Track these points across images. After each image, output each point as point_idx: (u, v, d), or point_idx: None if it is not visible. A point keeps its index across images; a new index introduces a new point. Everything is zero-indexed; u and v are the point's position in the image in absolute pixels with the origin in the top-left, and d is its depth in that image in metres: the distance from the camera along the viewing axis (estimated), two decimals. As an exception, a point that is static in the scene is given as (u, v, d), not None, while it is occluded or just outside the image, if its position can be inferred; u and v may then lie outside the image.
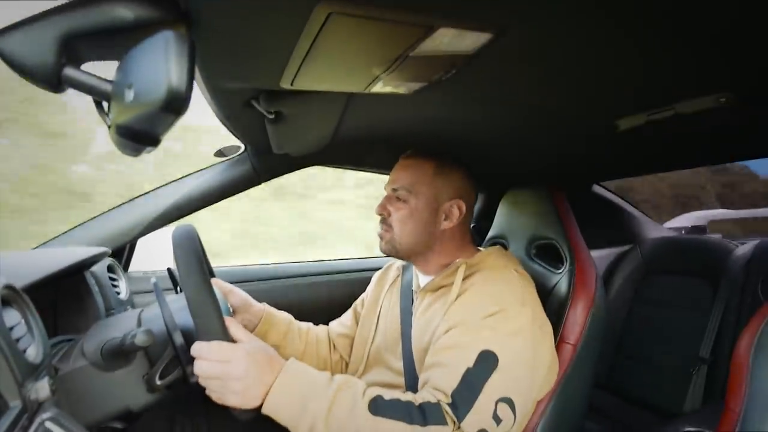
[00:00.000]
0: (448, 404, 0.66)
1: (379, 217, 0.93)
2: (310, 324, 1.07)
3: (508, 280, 0.81)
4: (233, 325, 0.65)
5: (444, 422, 0.64)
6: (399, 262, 1.03)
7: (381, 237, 0.91)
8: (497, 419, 0.66)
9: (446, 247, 0.91)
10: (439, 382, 0.69)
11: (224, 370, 0.60)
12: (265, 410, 0.63)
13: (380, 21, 0.45)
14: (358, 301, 1.11)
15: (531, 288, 0.83)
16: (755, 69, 0.59)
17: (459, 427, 0.65)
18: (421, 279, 0.94)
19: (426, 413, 0.64)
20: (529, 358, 0.74)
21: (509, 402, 0.68)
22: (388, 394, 0.67)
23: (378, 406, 0.64)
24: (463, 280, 0.83)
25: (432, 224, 0.89)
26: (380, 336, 0.95)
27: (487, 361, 0.69)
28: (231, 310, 0.91)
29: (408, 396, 0.68)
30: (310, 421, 0.62)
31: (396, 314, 0.94)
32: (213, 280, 0.85)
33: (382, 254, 0.94)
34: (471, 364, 0.69)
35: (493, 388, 0.67)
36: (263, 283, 1.37)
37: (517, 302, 0.76)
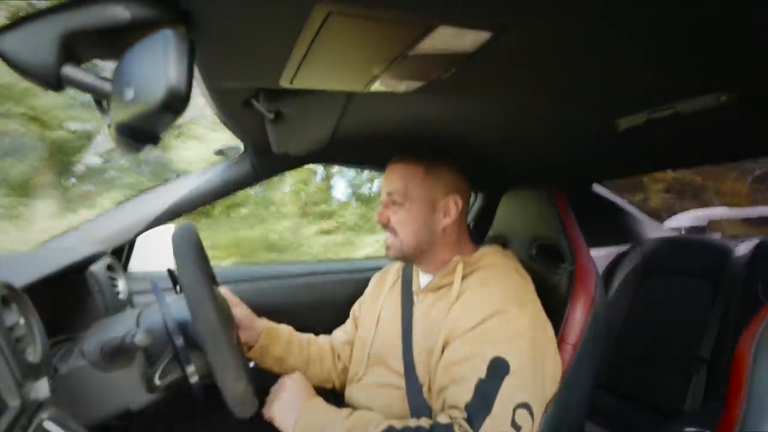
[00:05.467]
0: (464, 419, 0.65)
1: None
2: (311, 335, 1.08)
3: (506, 281, 0.81)
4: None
5: None
6: (398, 264, 1.04)
7: (389, 246, 0.91)
8: (516, 426, 0.65)
9: (446, 244, 0.91)
10: (454, 399, 0.69)
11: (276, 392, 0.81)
12: None
13: (379, 20, 0.45)
14: (356, 306, 1.11)
15: (530, 287, 0.83)
16: (755, 68, 0.59)
17: None
18: (422, 278, 0.94)
19: None
20: (537, 358, 0.74)
21: (527, 407, 0.67)
22: (400, 423, 0.68)
23: None
24: (463, 279, 0.83)
25: (432, 223, 0.89)
26: (380, 337, 0.95)
27: (498, 369, 0.69)
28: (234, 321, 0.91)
29: (420, 422, 0.68)
30: None
31: (397, 315, 0.94)
32: (222, 289, 0.85)
33: (382, 255, 0.93)
34: (483, 374, 0.68)
35: (507, 395, 0.67)
36: (263, 283, 1.36)
37: (517, 303, 0.76)
